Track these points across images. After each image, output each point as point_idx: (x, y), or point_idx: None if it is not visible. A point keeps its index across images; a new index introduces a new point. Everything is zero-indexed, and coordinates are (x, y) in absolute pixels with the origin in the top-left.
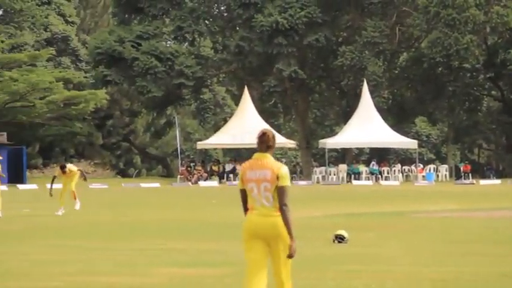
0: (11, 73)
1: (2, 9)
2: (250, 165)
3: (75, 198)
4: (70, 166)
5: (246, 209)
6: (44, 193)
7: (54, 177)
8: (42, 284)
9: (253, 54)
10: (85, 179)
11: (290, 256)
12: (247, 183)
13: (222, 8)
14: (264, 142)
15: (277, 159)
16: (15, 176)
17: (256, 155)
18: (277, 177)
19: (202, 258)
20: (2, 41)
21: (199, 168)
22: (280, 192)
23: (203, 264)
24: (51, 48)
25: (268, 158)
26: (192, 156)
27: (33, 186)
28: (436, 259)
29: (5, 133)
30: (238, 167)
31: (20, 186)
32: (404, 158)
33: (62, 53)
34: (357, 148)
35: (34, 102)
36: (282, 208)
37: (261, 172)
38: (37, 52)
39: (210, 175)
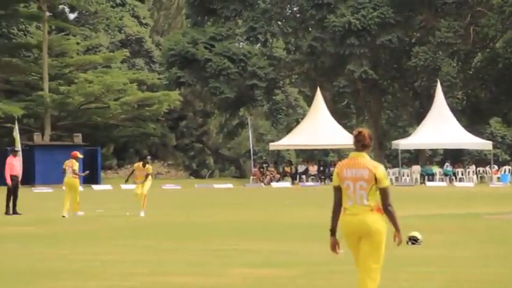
0: (86, 75)
1: (77, 12)
2: (347, 164)
3: (143, 206)
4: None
5: (336, 206)
6: (119, 194)
7: (133, 170)
8: (114, 283)
9: (325, 54)
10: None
11: (399, 243)
12: (344, 181)
13: (295, 8)
14: (360, 141)
15: None
16: (90, 177)
17: (352, 154)
18: (375, 178)
19: (274, 259)
20: (78, 43)
21: (272, 169)
22: (383, 194)
23: (276, 265)
24: (125, 50)
25: (365, 157)
26: (264, 157)
27: (108, 186)
28: (511, 261)
29: (80, 134)
30: (310, 168)
31: (95, 187)
32: (478, 159)
33: (135, 55)
34: (431, 149)
35: (108, 104)
36: (387, 209)
37: (358, 171)
38: (111, 54)
39: (283, 176)
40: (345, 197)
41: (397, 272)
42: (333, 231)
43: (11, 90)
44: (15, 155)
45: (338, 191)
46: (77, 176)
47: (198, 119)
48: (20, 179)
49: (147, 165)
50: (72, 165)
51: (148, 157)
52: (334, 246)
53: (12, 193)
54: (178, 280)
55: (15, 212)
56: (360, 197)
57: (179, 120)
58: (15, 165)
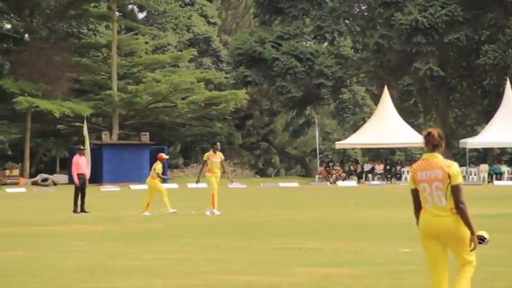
0: (154, 74)
1: (146, 11)
2: (421, 166)
3: (212, 206)
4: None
5: (417, 209)
6: (185, 192)
7: (205, 162)
8: (179, 282)
9: (392, 52)
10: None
11: (473, 249)
12: (419, 184)
13: (363, 7)
14: (430, 142)
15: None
16: None
17: (424, 155)
18: (449, 176)
19: (339, 258)
20: (146, 43)
21: (338, 167)
22: (455, 191)
23: (341, 264)
24: (193, 49)
25: (437, 157)
26: (330, 156)
27: (174, 185)
28: None
29: (148, 133)
30: (376, 166)
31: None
32: None
33: (203, 54)
34: (499, 148)
35: (176, 103)
36: (459, 206)
37: (432, 172)
38: (179, 53)
39: (349, 175)
40: (423, 200)
41: None
42: None
43: (80, 90)
44: (81, 154)
45: (415, 193)
46: (158, 178)
47: (265, 118)
48: (88, 177)
49: (217, 152)
50: (154, 167)
51: (218, 143)
52: None
53: (80, 191)
54: (243, 279)
55: (83, 210)
56: (437, 197)
57: (245, 119)
58: (81, 163)
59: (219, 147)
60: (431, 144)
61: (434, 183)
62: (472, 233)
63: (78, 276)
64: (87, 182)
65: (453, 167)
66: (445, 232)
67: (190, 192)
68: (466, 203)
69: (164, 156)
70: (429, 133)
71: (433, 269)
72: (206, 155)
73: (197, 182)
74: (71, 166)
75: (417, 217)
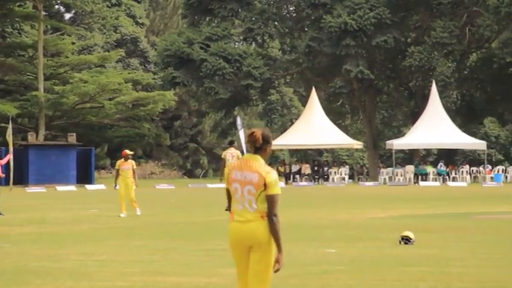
0: (81, 74)
1: (72, 11)
2: (238, 166)
3: (122, 209)
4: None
5: (231, 207)
6: (112, 193)
7: (117, 170)
8: (106, 283)
9: (321, 54)
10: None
11: (277, 270)
12: (232, 183)
13: (291, 8)
14: (252, 143)
15: (343, 160)
16: (84, 177)
17: (245, 156)
18: (265, 184)
19: None
20: (73, 43)
21: None
22: (270, 201)
23: None
24: (121, 50)
25: (258, 161)
26: None
27: (101, 186)
28: (503, 262)
29: (74, 134)
30: (304, 167)
31: (88, 187)
32: (472, 159)
33: (131, 55)
34: (425, 149)
35: (103, 103)
36: (272, 219)
37: (248, 174)
38: (107, 54)
39: None
40: (234, 201)
41: (388, 272)
42: None
43: (5, 90)
44: None
45: (229, 193)
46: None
47: (193, 119)
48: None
49: (129, 160)
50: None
51: (128, 151)
52: None
53: None
54: (171, 280)
55: None
56: (248, 202)
57: (174, 120)
58: None
59: (129, 156)
60: (253, 146)
61: (247, 187)
62: (279, 251)
63: (4, 278)
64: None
65: (271, 174)
66: (252, 238)
67: (117, 194)
68: (279, 216)
69: (128, 152)
70: (252, 133)
71: (240, 282)
72: (117, 163)
73: (115, 187)
74: None
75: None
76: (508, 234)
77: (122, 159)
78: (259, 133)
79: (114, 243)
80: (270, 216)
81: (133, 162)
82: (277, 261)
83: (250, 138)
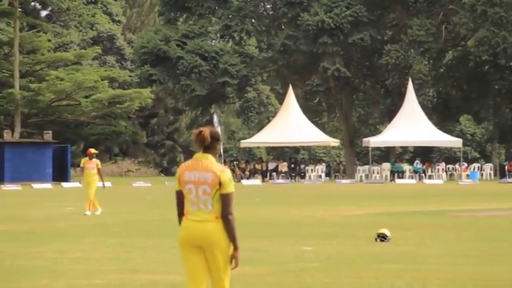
0: (57, 72)
1: (49, 9)
2: (190, 166)
3: (90, 207)
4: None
5: (180, 213)
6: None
7: (82, 168)
8: (82, 281)
9: (298, 52)
10: (102, 182)
11: (235, 267)
12: (185, 185)
13: (268, 6)
14: (201, 142)
15: (320, 158)
16: (60, 174)
17: (196, 155)
18: (220, 183)
19: (243, 257)
20: (49, 40)
21: (243, 166)
22: (225, 200)
23: (243, 263)
24: (97, 47)
25: (209, 160)
26: (235, 155)
27: (77, 184)
28: (479, 259)
29: (51, 132)
30: (281, 165)
31: (64, 185)
32: (448, 156)
33: (107, 52)
34: (401, 147)
35: (79, 101)
36: (227, 217)
37: (201, 174)
38: (83, 51)
39: (253, 173)
40: (189, 202)
41: (365, 269)
42: None
43: None
44: None
45: (180, 196)
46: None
47: (170, 117)
48: None
49: (93, 159)
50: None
51: (92, 150)
52: None
53: None
54: (147, 277)
55: None
56: (204, 202)
57: (150, 117)
58: None
59: (93, 155)
60: (202, 145)
61: (201, 187)
62: (236, 248)
63: None
64: None
65: (225, 173)
66: (206, 239)
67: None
68: (234, 214)
69: (93, 151)
70: (200, 132)
71: (191, 283)
72: (82, 161)
73: (81, 184)
74: None
75: (180, 222)
76: (484, 231)
77: (87, 158)
78: (208, 131)
79: (90, 240)
80: (226, 215)
81: (98, 161)
82: (233, 258)
83: (199, 137)
